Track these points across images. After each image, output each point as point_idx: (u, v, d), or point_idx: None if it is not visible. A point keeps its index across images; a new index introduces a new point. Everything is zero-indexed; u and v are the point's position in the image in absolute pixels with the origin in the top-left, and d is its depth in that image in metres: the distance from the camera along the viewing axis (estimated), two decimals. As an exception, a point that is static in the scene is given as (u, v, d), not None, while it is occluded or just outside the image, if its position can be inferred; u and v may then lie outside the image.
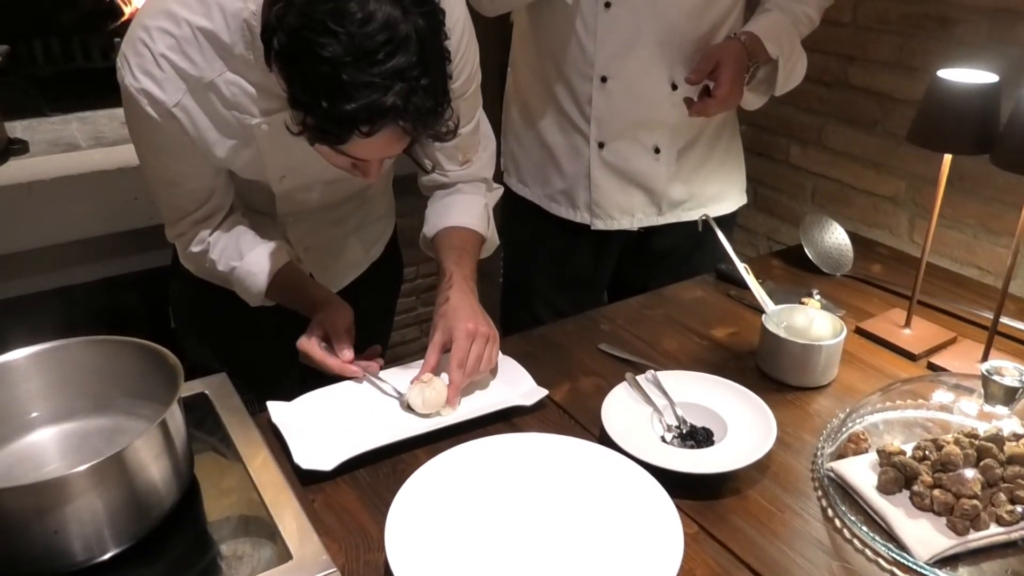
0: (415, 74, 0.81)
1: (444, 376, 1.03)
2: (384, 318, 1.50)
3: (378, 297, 1.41)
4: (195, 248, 1.12)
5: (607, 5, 1.28)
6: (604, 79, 1.34)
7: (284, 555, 0.69)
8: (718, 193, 1.50)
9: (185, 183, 1.08)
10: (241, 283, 1.11)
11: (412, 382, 1.02)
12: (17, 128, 1.89)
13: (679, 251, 1.50)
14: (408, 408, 1.01)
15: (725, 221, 1.51)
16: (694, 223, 1.45)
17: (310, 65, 0.80)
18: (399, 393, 1.03)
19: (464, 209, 1.20)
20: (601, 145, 1.40)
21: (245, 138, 1.02)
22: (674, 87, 1.34)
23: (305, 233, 1.23)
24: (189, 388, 0.89)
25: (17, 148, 1.77)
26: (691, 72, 1.29)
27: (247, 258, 1.11)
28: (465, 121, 1.13)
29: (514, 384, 1.06)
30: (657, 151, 1.40)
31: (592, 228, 1.46)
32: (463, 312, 1.06)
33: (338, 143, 0.85)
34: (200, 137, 1.01)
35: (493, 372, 1.08)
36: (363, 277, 1.35)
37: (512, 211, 1.56)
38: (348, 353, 1.04)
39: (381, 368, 1.07)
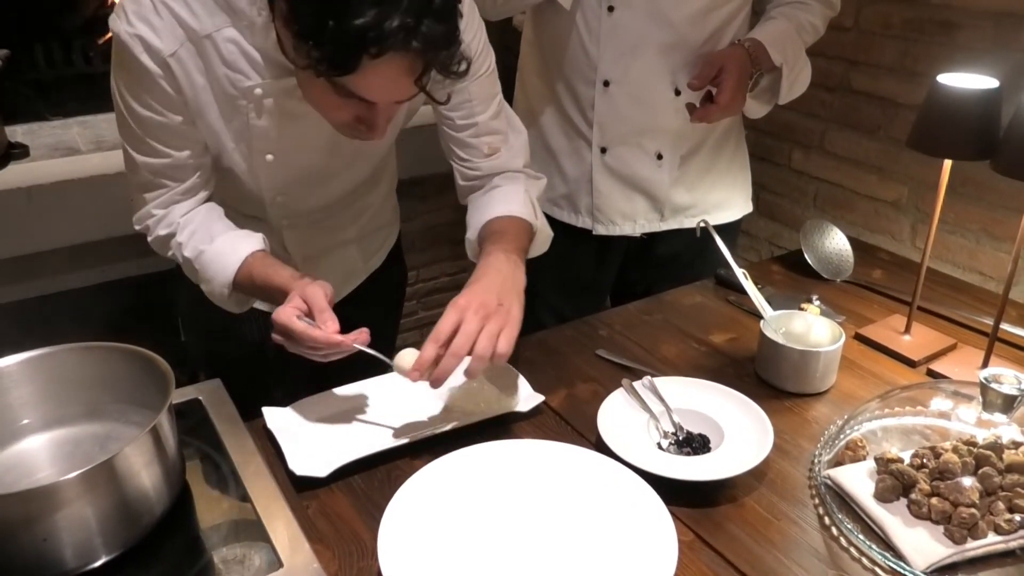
0: None
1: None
2: (385, 332, 1.45)
3: (379, 309, 1.38)
4: (161, 231, 1.06)
5: (610, 9, 1.28)
6: (607, 83, 1.34)
7: (275, 563, 0.68)
8: (722, 200, 1.50)
9: (168, 154, 1.02)
10: (206, 270, 1.02)
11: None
12: (18, 132, 1.90)
13: (682, 257, 1.49)
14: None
15: (729, 229, 1.51)
16: (692, 232, 1.46)
17: None
18: (389, 360, 0.93)
19: (502, 200, 1.11)
20: (603, 150, 1.40)
21: (236, 103, 0.99)
22: (677, 93, 1.34)
23: (303, 242, 1.20)
24: (182, 394, 0.89)
25: (18, 152, 1.78)
26: (693, 77, 1.27)
27: (217, 241, 1.03)
28: (482, 106, 1.11)
29: (510, 390, 1.05)
30: (660, 157, 1.40)
31: (594, 233, 1.45)
32: (478, 284, 0.94)
33: (347, 70, 0.81)
34: (194, 97, 0.97)
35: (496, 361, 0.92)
36: (363, 288, 1.33)
37: None
38: (333, 324, 0.91)
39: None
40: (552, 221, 1.47)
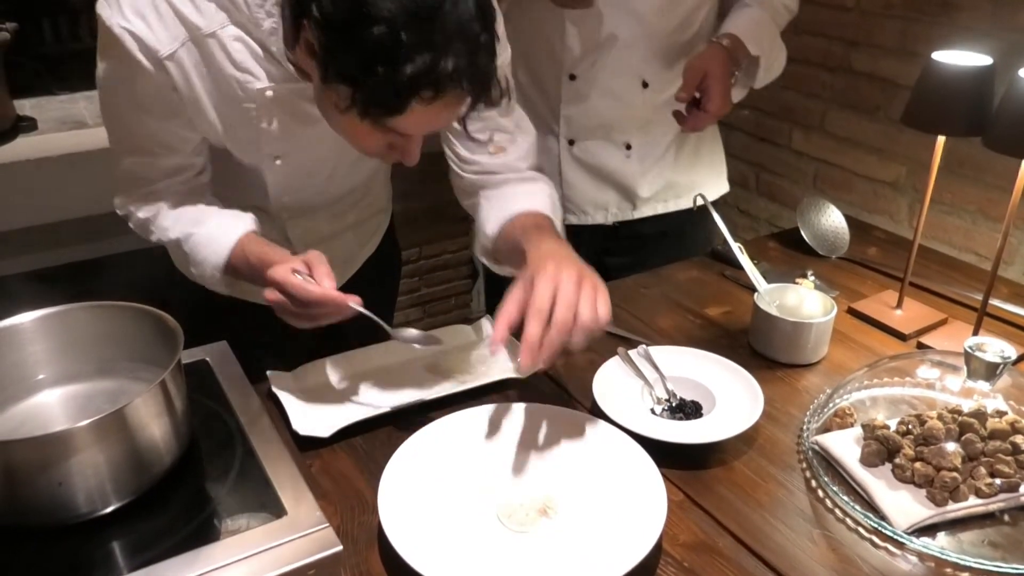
0: (476, 29, 0.75)
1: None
2: (382, 312, 1.45)
3: (376, 290, 1.36)
4: (143, 214, 1.01)
5: None
6: (572, 77, 1.33)
7: (279, 512, 0.71)
8: (694, 182, 1.47)
9: (160, 153, 0.97)
10: (196, 253, 0.98)
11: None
12: (26, 106, 1.91)
13: (660, 241, 1.47)
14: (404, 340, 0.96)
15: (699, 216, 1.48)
16: (672, 214, 1.46)
17: (362, 29, 0.71)
18: (387, 325, 0.94)
19: (527, 193, 1.05)
20: (571, 142, 1.39)
21: (243, 107, 0.93)
22: (645, 85, 1.33)
23: (306, 231, 1.17)
24: (190, 355, 0.91)
25: (26, 126, 1.80)
26: (680, 90, 1.23)
27: (208, 224, 0.99)
28: None
29: (508, 357, 1.08)
30: (628, 148, 1.39)
31: (564, 223, 1.35)
32: (552, 259, 0.84)
33: (396, 113, 0.76)
34: (192, 97, 0.91)
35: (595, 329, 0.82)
36: (359, 273, 1.31)
37: None
38: (330, 283, 0.87)
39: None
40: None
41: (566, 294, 0.80)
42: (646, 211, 1.46)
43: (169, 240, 1.01)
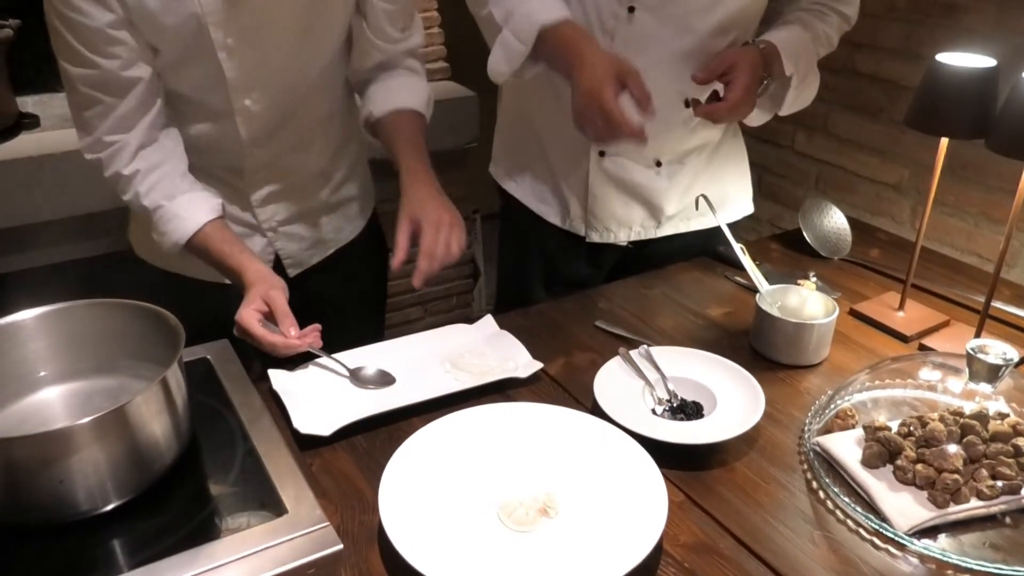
0: None
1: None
2: (369, 304, 1.47)
3: (359, 282, 1.40)
4: (123, 170, 1.05)
5: (631, 10, 1.19)
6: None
7: (280, 510, 0.71)
8: (720, 201, 1.41)
9: (97, 64, 0.98)
10: (161, 225, 1.06)
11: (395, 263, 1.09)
12: (28, 103, 1.92)
13: (677, 260, 1.43)
14: (359, 384, 1.04)
15: (730, 228, 1.43)
16: (688, 234, 1.40)
17: None
18: (348, 370, 1.04)
19: (411, 91, 1.22)
20: (602, 153, 1.33)
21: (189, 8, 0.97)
22: (687, 104, 1.27)
23: (275, 210, 1.22)
24: (192, 353, 0.92)
25: (28, 122, 1.80)
26: (699, 70, 1.19)
27: (178, 199, 1.05)
28: None
29: (509, 357, 1.08)
30: (658, 164, 1.34)
31: (587, 240, 1.39)
32: (430, 204, 1.11)
33: None
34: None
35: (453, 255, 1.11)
36: (338, 264, 1.33)
37: (505, 210, 1.50)
38: (294, 330, 1.00)
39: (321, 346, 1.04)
40: (543, 223, 1.40)
41: (443, 237, 1.09)
42: (669, 229, 1.40)
43: (142, 206, 1.07)
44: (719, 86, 1.20)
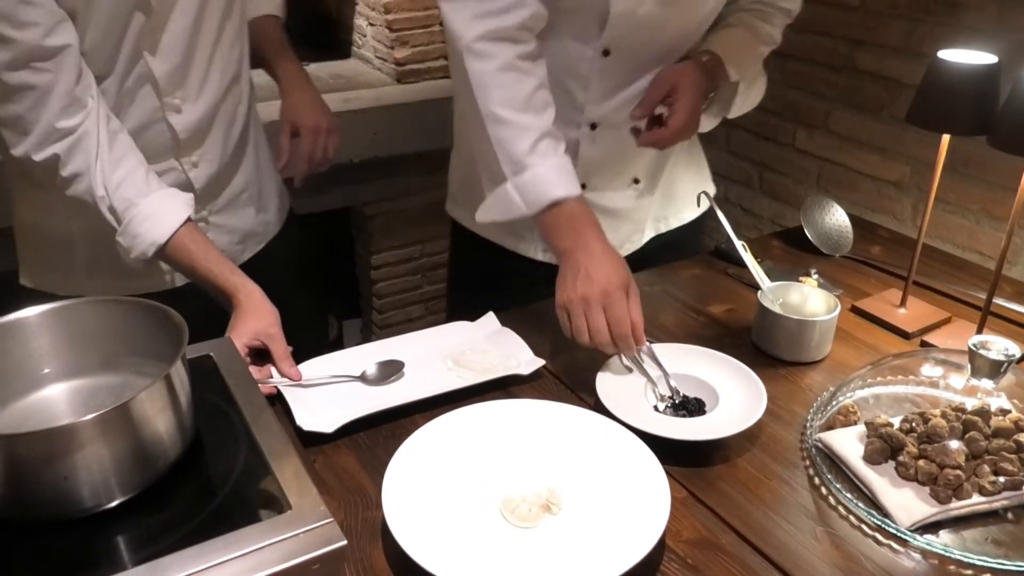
0: None
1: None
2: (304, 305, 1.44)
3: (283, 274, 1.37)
4: (91, 163, 0.96)
5: (605, 53, 1.14)
6: (594, 126, 1.22)
7: (283, 507, 0.71)
8: (686, 195, 1.40)
9: (21, 33, 0.90)
10: (136, 226, 0.99)
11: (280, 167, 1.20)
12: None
13: (662, 257, 1.40)
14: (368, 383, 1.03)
15: (695, 224, 1.43)
16: (659, 237, 1.37)
17: None
18: (358, 375, 1.03)
19: None
20: (583, 185, 1.23)
21: None
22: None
23: (208, 190, 1.20)
24: (195, 350, 0.91)
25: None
26: (638, 105, 1.13)
27: (151, 197, 0.99)
28: None
29: (512, 354, 1.08)
30: (636, 182, 1.31)
31: None
32: (309, 108, 1.22)
33: None
34: None
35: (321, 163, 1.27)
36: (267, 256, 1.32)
37: (463, 251, 1.43)
38: (295, 372, 1.01)
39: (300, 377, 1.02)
40: (521, 259, 1.31)
41: (321, 142, 1.24)
42: (650, 232, 1.38)
43: (108, 206, 1.00)
44: (663, 108, 1.14)
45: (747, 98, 1.25)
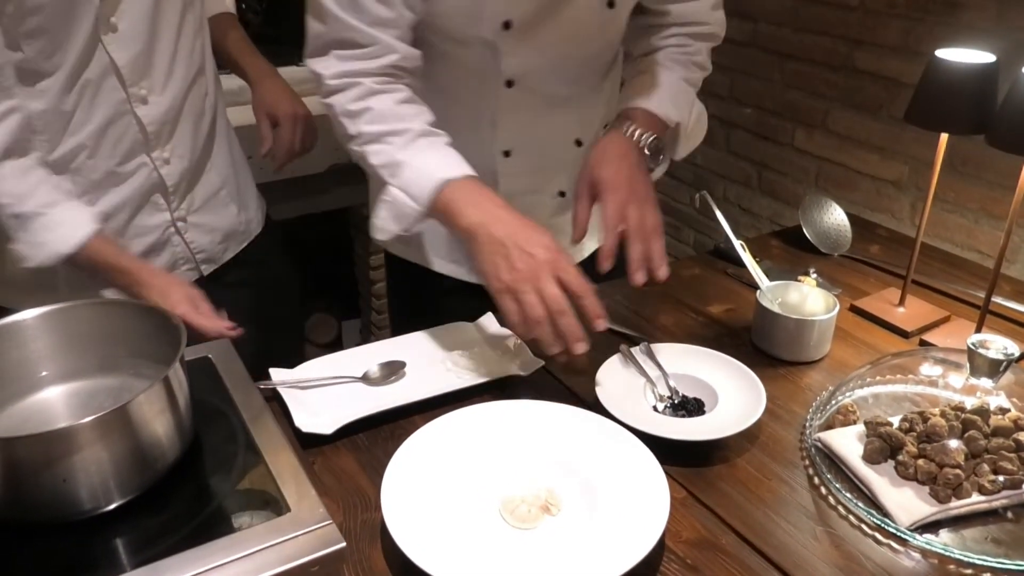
0: None
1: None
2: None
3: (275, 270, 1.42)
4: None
5: (509, 84, 1.11)
6: (507, 153, 1.19)
7: (282, 509, 0.71)
8: None
9: None
10: (43, 233, 1.00)
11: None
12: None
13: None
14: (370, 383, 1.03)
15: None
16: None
17: None
18: (359, 376, 1.03)
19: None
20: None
21: None
22: (579, 144, 1.22)
23: (188, 200, 1.22)
24: (193, 352, 0.91)
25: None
26: (600, 259, 1.02)
27: (62, 206, 1.01)
28: None
29: (510, 354, 1.08)
30: (562, 195, 1.26)
31: None
32: (283, 98, 1.27)
33: None
34: None
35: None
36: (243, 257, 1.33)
37: (403, 283, 1.41)
38: (229, 325, 1.05)
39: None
40: (459, 283, 1.25)
41: (300, 130, 1.28)
42: (590, 247, 1.32)
43: (14, 213, 1.00)
44: (622, 225, 1.03)
45: (691, 136, 1.20)
